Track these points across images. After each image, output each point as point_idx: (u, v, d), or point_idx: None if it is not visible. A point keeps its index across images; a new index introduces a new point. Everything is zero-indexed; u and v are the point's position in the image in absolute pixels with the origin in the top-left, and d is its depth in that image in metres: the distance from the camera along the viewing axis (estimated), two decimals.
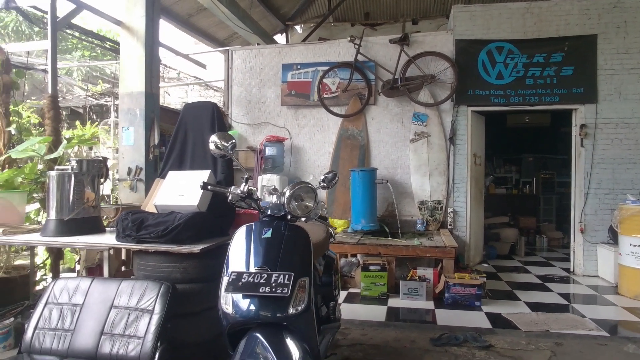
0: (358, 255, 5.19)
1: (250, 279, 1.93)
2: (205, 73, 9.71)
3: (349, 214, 6.00)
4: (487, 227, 7.01)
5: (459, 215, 5.99)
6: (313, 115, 6.50)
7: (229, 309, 1.98)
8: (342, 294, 4.76)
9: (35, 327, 2.60)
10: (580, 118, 5.79)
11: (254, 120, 6.69)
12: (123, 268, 4.11)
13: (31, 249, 3.77)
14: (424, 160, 6.03)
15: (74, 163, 3.22)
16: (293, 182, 2.16)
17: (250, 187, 2.18)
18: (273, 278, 1.92)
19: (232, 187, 2.20)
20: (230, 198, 2.19)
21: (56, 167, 3.21)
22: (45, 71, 5.52)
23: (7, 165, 4.33)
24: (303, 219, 2.34)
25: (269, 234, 2.07)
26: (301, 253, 2.07)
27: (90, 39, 6.19)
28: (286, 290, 1.86)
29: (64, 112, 8.52)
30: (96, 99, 9.05)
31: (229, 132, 3.57)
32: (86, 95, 9.04)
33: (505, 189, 9.30)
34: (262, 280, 1.92)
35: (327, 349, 2.60)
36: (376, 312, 4.23)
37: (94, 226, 3.24)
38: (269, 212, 2.17)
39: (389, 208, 6.14)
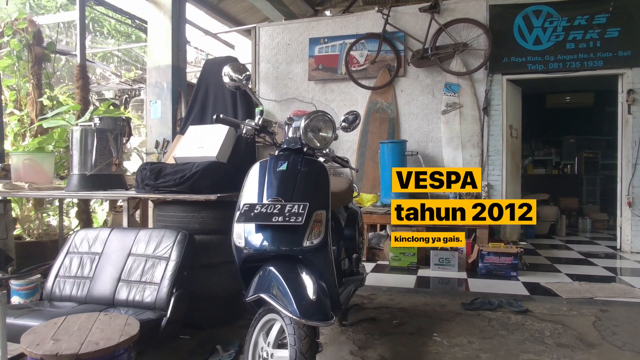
0: (387, 227, 5.02)
1: (263, 210, 1.82)
2: (233, 55, 9.72)
3: (378, 189, 5.82)
4: None
5: (494, 189, 5.70)
6: (341, 89, 6.35)
7: (241, 242, 1.89)
8: (370, 266, 4.61)
9: (56, 276, 2.60)
10: (627, 83, 5.38)
11: (281, 97, 6.60)
12: None
13: (60, 213, 3.82)
14: (456, 132, 5.77)
15: (96, 120, 3.22)
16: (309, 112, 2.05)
17: (265, 120, 2.07)
18: (287, 208, 1.80)
19: (247, 120, 2.10)
20: (244, 132, 2.09)
21: (79, 123, 3.21)
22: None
23: (39, 135, 4.42)
24: (322, 158, 2.23)
25: (284, 166, 1.97)
26: (318, 185, 1.95)
27: (120, 17, 6.26)
28: (300, 219, 1.75)
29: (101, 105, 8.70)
30: (130, 85, 9.21)
31: (255, 109, 3.48)
32: (120, 82, 9.22)
33: (545, 170, 8.83)
34: (275, 211, 1.81)
35: (348, 299, 2.48)
36: (405, 281, 4.06)
37: (117, 183, 3.22)
38: (284, 146, 2.07)
39: None
